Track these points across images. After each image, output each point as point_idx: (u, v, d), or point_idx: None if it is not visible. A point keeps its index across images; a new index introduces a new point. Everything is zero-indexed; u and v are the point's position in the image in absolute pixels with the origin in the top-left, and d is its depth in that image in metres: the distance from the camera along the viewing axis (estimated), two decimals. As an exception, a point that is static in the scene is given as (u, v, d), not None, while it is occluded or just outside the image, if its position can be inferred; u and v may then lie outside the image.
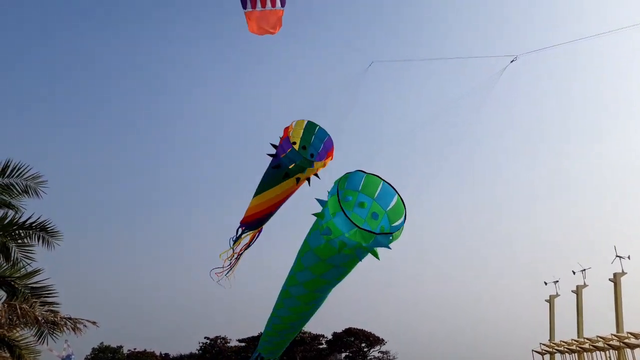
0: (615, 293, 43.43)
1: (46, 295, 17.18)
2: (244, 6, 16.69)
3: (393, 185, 11.44)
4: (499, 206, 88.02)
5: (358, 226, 10.52)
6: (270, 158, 17.58)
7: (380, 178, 11.49)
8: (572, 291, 49.03)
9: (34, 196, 17.54)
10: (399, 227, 11.13)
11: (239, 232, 19.31)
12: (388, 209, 11.46)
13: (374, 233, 10.70)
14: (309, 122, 16.99)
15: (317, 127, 16.97)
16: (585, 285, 48.46)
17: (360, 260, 11.42)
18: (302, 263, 12.20)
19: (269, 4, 16.55)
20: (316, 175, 17.10)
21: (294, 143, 16.96)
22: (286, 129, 16.79)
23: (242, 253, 19.56)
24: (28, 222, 17.00)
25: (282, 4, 16.71)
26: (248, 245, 19.62)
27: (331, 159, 16.98)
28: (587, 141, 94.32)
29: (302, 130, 16.92)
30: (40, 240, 17.43)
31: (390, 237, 10.86)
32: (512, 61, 25.27)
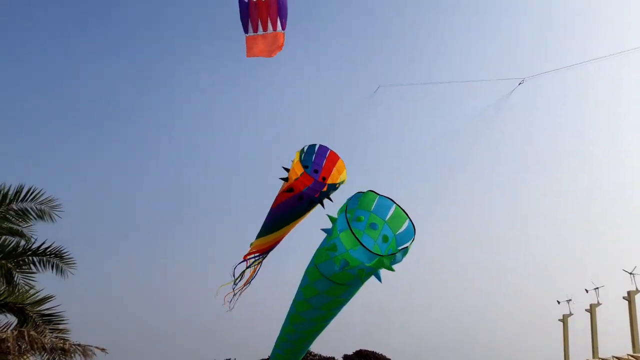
0: (630, 311, 42.74)
1: (57, 322, 17.12)
2: (246, 30, 16.93)
3: (415, 226, 11.31)
4: (511, 224, 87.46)
5: (352, 230, 10.56)
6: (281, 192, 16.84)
7: (407, 215, 11.40)
8: (586, 310, 48.27)
9: (49, 220, 17.50)
10: (394, 261, 10.94)
11: (247, 265, 18.42)
12: (400, 247, 11.37)
13: (361, 244, 10.56)
14: (297, 152, 16.44)
15: (305, 147, 16.52)
16: (599, 304, 47.71)
17: (341, 271, 11.08)
18: (305, 272, 12.39)
19: (270, 27, 16.75)
20: (329, 198, 16.85)
21: (323, 179, 16.41)
22: (307, 175, 16.00)
23: (244, 289, 18.68)
24: (42, 247, 16.92)
25: (283, 27, 16.91)
26: (249, 281, 18.73)
27: (340, 159, 16.52)
28: (596, 161, 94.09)
29: (296, 162, 16.34)
30: (54, 268, 17.27)
31: (375, 259, 10.58)
32: (520, 83, 25.39)
